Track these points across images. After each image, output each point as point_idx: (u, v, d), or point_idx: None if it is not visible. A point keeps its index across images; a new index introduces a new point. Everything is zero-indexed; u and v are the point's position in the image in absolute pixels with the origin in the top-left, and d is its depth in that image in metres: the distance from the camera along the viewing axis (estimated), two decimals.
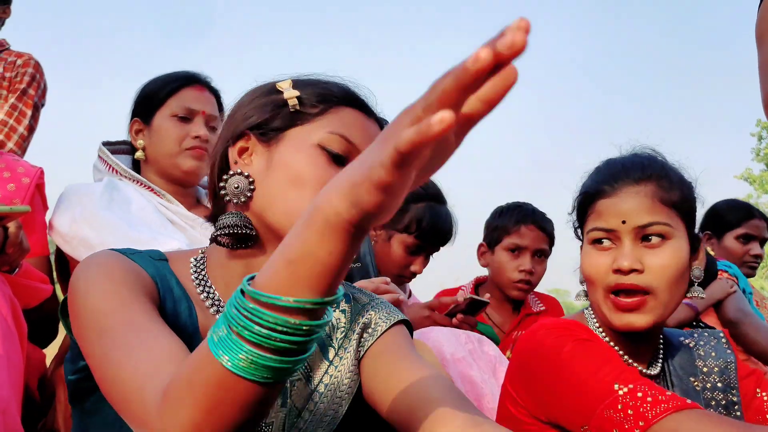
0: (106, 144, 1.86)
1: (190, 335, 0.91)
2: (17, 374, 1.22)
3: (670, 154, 1.25)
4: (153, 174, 1.79)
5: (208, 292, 0.95)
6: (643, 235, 1.15)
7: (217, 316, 0.94)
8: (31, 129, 2.50)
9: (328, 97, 0.96)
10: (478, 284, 2.48)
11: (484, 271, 2.48)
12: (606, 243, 1.17)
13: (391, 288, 1.53)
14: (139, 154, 1.80)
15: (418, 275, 2.05)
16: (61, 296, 1.70)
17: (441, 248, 2.03)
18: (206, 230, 1.68)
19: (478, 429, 0.82)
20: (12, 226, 1.36)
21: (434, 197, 2.00)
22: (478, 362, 1.53)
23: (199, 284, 0.96)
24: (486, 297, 1.85)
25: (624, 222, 1.15)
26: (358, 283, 1.48)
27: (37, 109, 2.51)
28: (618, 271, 1.14)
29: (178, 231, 1.63)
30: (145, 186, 1.75)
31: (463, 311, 1.75)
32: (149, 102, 1.79)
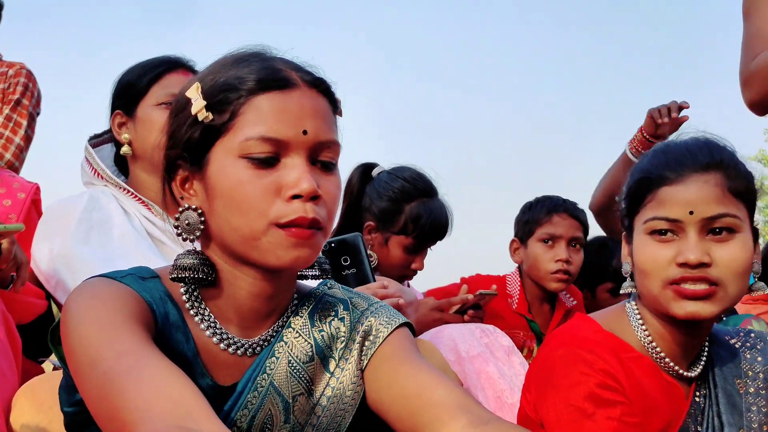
0: (92, 138, 1.74)
1: (189, 362, 0.88)
2: (10, 389, 1.21)
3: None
4: (142, 171, 1.66)
5: (203, 315, 0.92)
6: (710, 228, 1.08)
7: (214, 339, 0.91)
8: (29, 139, 2.48)
9: (235, 94, 0.86)
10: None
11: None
12: (668, 234, 1.09)
13: (390, 292, 1.50)
14: (125, 150, 1.66)
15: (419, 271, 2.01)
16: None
17: (439, 242, 1.99)
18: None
19: (483, 427, 0.81)
20: (5, 243, 1.35)
21: (425, 192, 1.95)
22: (496, 354, 1.51)
23: (192, 306, 0.92)
24: (493, 289, 1.83)
25: (691, 213, 1.07)
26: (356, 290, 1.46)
27: (32, 118, 2.49)
28: (684, 264, 1.06)
29: (162, 259, 1.52)
30: (130, 194, 1.64)
31: (472, 306, 1.72)
32: (130, 92, 1.66)
